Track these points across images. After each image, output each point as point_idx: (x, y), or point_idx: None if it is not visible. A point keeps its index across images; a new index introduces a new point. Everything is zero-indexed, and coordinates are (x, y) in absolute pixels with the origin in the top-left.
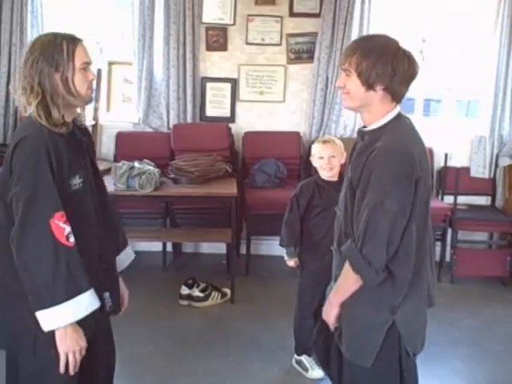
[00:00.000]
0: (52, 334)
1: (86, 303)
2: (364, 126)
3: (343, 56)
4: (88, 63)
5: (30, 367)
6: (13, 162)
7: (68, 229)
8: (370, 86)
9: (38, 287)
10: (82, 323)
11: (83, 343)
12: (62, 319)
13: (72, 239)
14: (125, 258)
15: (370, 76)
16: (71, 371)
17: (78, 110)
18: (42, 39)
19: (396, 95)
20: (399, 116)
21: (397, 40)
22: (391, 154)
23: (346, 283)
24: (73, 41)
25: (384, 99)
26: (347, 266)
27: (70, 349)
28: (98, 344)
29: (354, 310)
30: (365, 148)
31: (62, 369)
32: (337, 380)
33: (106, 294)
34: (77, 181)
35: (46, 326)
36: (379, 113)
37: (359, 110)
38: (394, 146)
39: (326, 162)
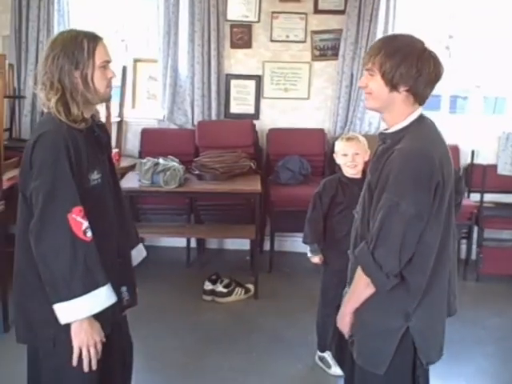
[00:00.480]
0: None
1: (102, 297)
2: (386, 129)
3: (367, 56)
4: (108, 61)
5: (51, 360)
6: (33, 156)
7: (86, 223)
8: (393, 86)
9: (56, 280)
10: (100, 317)
11: (98, 337)
12: (79, 313)
13: (89, 234)
14: (137, 255)
15: (393, 76)
16: (85, 366)
17: (98, 107)
18: (64, 36)
19: (419, 97)
20: (421, 118)
21: (422, 40)
22: (411, 156)
23: (359, 287)
24: (94, 39)
25: (407, 100)
26: (359, 270)
27: (83, 343)
28: (114, 338)
29: (365, 315)
30: (385, 150)
31: (74, 362)
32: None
33: (123, 288)
34: (95, 176)
35: (62, 319)
36: (401, 114)
37: (381, 111)
38: (415, 148)
39: (350, 159)
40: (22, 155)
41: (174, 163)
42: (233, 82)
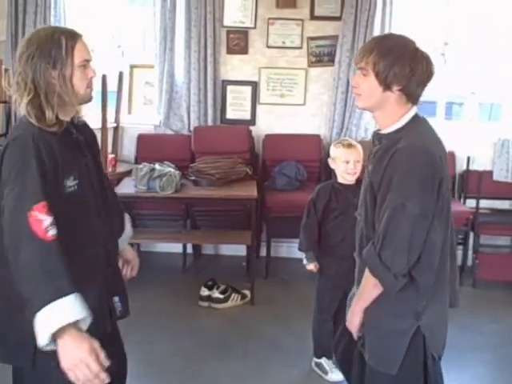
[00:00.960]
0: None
1: (66, 310)
2: (378, 130)
3: (360, 55)
4: (88, 60)
5: (32, 381)
6: (3, 166)
7: (48, 220)
8: (387, 86)
9: (24, 290)
10: (90, 329)
11: (89, 355)
12: (43, 328)
13: (52, 232)
14: (125, 238)
15: (387, 76)
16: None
17: (82, 108)
18: (40, 33)
19: (412, 96)
20: (417, 117)
21: (414, 40)
22: (413, 155)
23: (367, 288)
24: (72, 36)
25: (400, 100)
26: (367, 271)
27: (71, 364)
28: (107, 350)
29: (376, 316)
30: (385, 151)
31: None
32: None
33: (116, 299)
34: (71, 182)
35: (39, 341)
36: (394, 114)
37: (373, 110)
38: (416, 146)
39: (352, 166)
40: None
41: (170, 169)
42: (229, 88)
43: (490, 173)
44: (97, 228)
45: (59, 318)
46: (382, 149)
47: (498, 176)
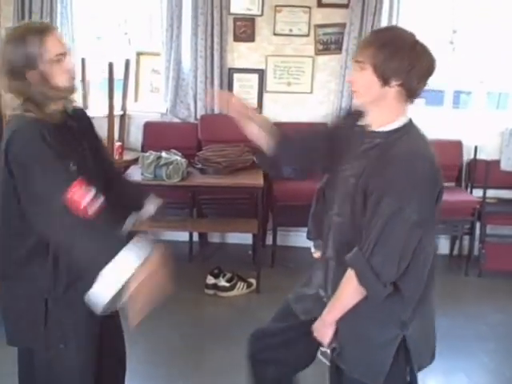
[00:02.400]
0: (62, 326)
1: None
2: (366, 125)
3: (358, 49)
4: (63, 53)
5: (44, 363)
6: (9, 157)
7: (86, 199)
8: (385, 80)
9: (86, 266)
10: (92, 318)
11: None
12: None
13: (92, 208)
14: (149, 207)
15: (385, 70)
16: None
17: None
18: (10, 35)
19: (412, 92)
20: (411, 120)
21: (413, 33)
22: (416, 160)
23: (346, 296)
24: (41, 32)
25: (399, 97)
26: (349, 277)
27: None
28: (106, 336)
29: (358, 326)
30: (382, 152)
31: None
32: None
33: None
34: (71, 169)
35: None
36: (392, 112)
37: (370, 107)
38: (419, 151)
39: None
40: None
41: (176, 157)
42: (236, 76)
43: (498, 162)
44: None
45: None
46: (378, 149)
47: (505, 166)
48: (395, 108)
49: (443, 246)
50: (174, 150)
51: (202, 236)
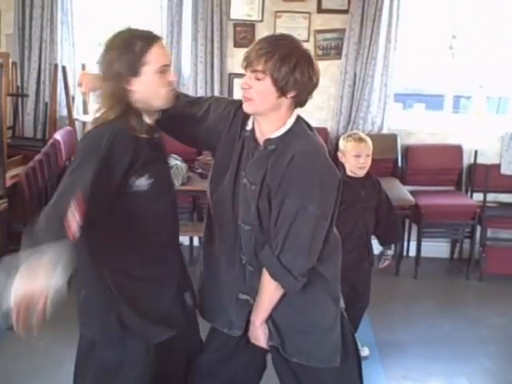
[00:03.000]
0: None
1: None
2: (250, 130)
3: (256, 57)
4: (166, 65)
5: (108, 359)
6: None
7: (78, 222)
8: (283, 92)
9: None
10: (166, 320)
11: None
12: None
13: (73, 229)
14: None
15: (287, 82)
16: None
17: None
18: (116, 39)
19: (302, 102)
20: (299, 118)
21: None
22: (311, 158)
23: (268, 294)
24: (149, 41)
25: (290, 106)
26: (265, 275)
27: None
28: (177, 342)
29: (303, 319)
30: (278, 155)
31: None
32: None
33: (187, 294)
34: (144, 181)
35: None
36: (282, 118)
37: (262, 115)
38: (312, 148)
39: (363, 161)
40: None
41: (176, 162)
42: (236, 81)
43: (498, 166)
44: (169, 227)
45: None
46: (273, 154)
47: (505, 169)
48: (285, 115)
49: (444, 249)
50: (174, 155)
51: None
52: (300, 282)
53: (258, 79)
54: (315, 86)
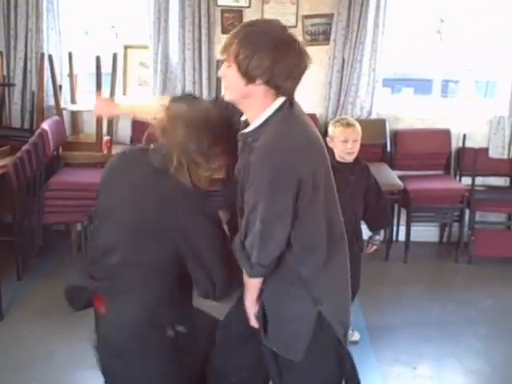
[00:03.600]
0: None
1: None
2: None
3: (225, 44)
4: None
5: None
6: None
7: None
8: (249, 79)
9: None
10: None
11: None
12: None
13: None
14: None
15: (247, 68)
16: None
17: None
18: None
19: (280, 89)
20: (285, 108)
21: (286, 28)
22: (268, 155)
23: (245, 278)
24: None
25: (268, 93)
26: None
27: None
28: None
29: (274, 304)
30: (250, 149)
31: None
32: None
33: None
34: None
35: None
36: (258, 108)
37: (239, 103)
38: (273, 146)
39: (351, 146)
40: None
41: None
42: None
43: (486, 150)
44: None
45: None
46: (248, 147)
47: (493, 153)
48: (263, 103)
49: (433, 233)
50: None
51: None
52: (256, 271)
53: (228, 67)
54: (289, 73)
